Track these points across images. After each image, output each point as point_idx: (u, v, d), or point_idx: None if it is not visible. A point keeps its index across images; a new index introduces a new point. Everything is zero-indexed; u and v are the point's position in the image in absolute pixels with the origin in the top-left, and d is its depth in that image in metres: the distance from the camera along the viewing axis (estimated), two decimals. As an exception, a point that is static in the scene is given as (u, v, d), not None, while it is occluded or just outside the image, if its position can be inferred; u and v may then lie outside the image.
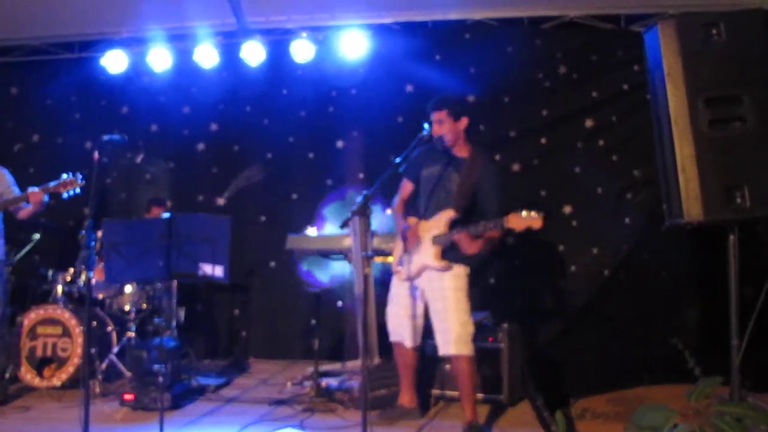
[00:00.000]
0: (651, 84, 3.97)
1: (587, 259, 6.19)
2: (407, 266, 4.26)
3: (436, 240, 4.13)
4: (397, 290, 4.40)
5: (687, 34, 3.72)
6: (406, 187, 4.46)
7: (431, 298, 4.22)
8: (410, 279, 4.29)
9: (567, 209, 6.28)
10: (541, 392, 4.83)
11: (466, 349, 4.11)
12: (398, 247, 4.39)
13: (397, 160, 3.96)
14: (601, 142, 6.30)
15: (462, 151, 4.25)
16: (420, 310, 4.34)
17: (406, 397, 4.48)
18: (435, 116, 4.16)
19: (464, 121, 4.19)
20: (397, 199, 4.49)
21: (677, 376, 4.99)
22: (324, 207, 6.58)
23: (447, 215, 4.13)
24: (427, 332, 4.44)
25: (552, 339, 5.87)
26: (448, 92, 4.36)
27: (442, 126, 4.14)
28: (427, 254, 4.17)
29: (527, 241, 6.22)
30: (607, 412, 4.71)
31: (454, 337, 4.09)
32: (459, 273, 4.17)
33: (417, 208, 4.40)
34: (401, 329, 4.37)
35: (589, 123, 6.33)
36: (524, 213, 3.69)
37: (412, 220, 4.33)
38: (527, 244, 6.29)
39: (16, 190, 5.10)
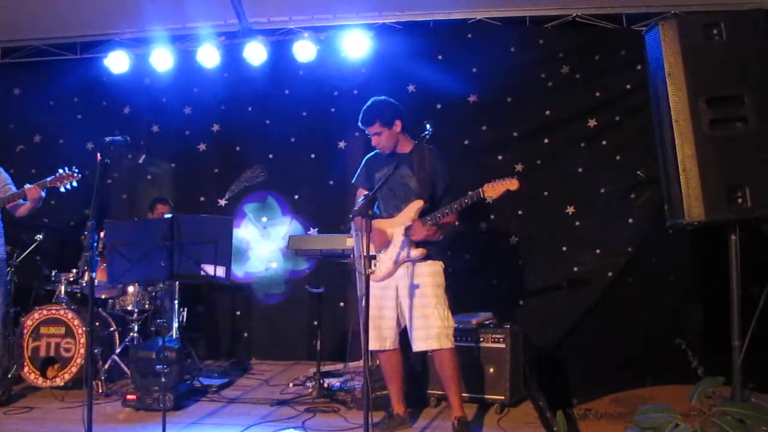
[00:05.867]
0: (652, 84, 3.97)
1: (590, 259, 6.17)
2: (380, 266, 4.25)
3: (407, 231, 4.16)
4: (374, 293, 4.17)
5: (688, 34, 3.71)
6: (361, 194, 4.42)
7: (408, 294, 4.17)
8: (384, 278, 4.26)
9: (570, 209, 6.27)
10: (544, 393, 4.83)
11: (448, 342, 4.13)
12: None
13: (399, 161, 3.97)
14: (604, 142, 6.29)
15: (405, 147, 4.32)
16: (398, 310, 4.27)
17: (400, 406, 4.40)
18: (370, 130, 4.33)
19: (398, 124, 4.31)
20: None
21: (681, 377, 4.99)
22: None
23: (415, 206, 4.16)
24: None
25: (555, 340, 5.85)
26: (375, 101, 4.38)
27: (380, 137, 4.32)
28: (402, 248, 4.18)
29: (531, 241, 6.26)
30: (610, 413, 4.70)
31: (436, 332, 4.10)
32: (437, 269, 4.20)
33: (375, 213, 4.38)
34: (385, 332, 4.27)
35: (592, 123, 6.31)
36: (497, 180, 3.88)
37: (377, 222, 4.28)
38: (531, 245, 6.30)
39: (13, 188, 5.13)
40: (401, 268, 4.22)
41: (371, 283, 4.18)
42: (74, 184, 4.98)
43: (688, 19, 4.16)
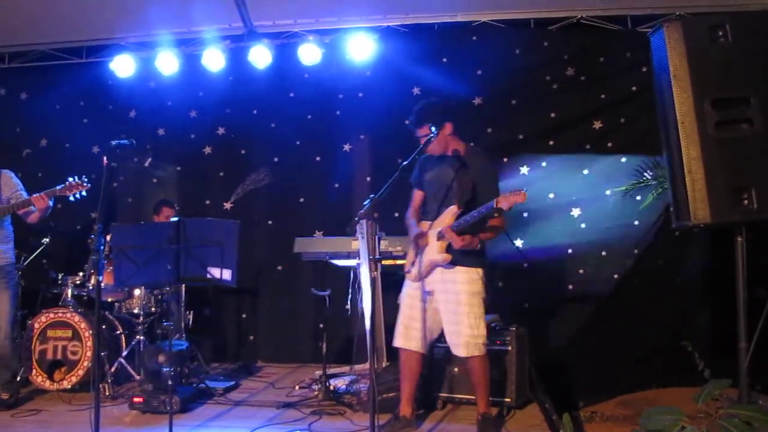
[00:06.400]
0: (657, 86, 3.95)
1: (596, 261, 6.17)
2: (417, 267, 4.27)
3: (440, 235, 4.16)
4: (410, 292, 4.33)
5: (693, 36, 3.70)
6: (417, 195, 4.52)
7: (444, 299, 4.20)
8: (420, 279, 4.26)
9: (575, 211, 6.27)
10: (550, 395, 4.82)
11: (476, 351, 4.14)
12: (411, 249, 4.40)
13: (405, 163, 3.97)
14: (609, 144, 6.29)
15: (456, 150, 4.32)
16: (431, 313, 4.28)
17: (408, 408, 4.37)
18: (419, 132, 4.26)
19: (448, 127, 4.26)
20: (411, 208, 4.54)
21: (687, 379, 4.98)
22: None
23: (451, 211, 4.15)
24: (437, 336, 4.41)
25: (561, 342, 5.85)
26: (427, 102, 4.34)
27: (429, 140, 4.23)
28: (431, 250, 4.18)
29: (536, 243, 6.25)
30: (616, 415, 4.69)
31: (464, 341, 4.12)
32: (473, 277, 4.18)
33: (426, 212, 4.44)
34: (412, 332, 4.28)
35: (597, 125, 6.32)
36: (509, 192, 3.84)
37: (425, 224, 4.33)
38: (536, 247, 6.29)
39: (24, 195, 5.14)
40: (437, 272, 4.22)
41: (409, 282, 4.35)
42: (83, 193, 4.96)
43: (693, 20, 4.14)
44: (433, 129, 4.15)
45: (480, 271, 4.22)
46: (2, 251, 5.09)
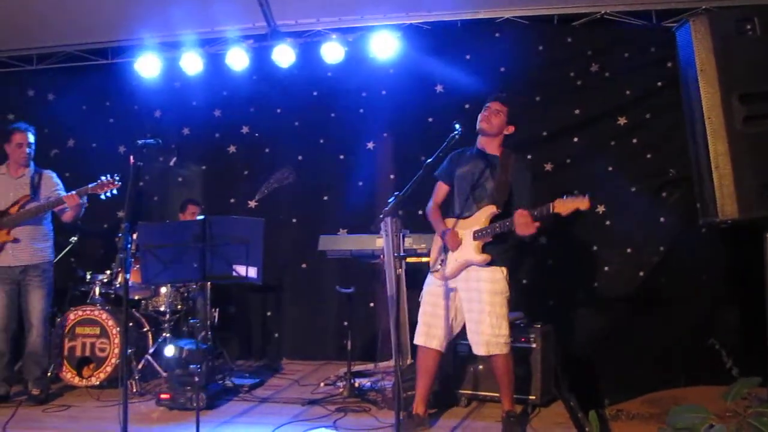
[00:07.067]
0: (683, 81, 3.92)
1: (621, 259, 6.12)
2: (446, 266, 4.25)
3: (477, 235, 4.14)
4: (433, 290, 4.32)
5: (720, 30, 3.66)
6: (441, 189, 4.50)
7: (466, 298, 4.19)
8: (448, 278, 4.26)
9: (600, 209, 6.21)
10: (575, 393, 4.80)
11: (497, 350, 4.13)
12: (436, 247, 4.40)
13: (429, 161, 3.97)
14: (634, 141, 6.23)
15: (495, 150, 4.33)
16: (454, 313, 4.28)
17: (421, 407, 4.36)
18: (495, 105, 4.29)
19: (512, 129, 4.32)
20: (432, 202, 4.52)
21: (715, 378, 4.93)
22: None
23: (488, 211, 4.15)
24: (459, 333, 4.41)
25: (586, 339, 5.82)
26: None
27: (497, 116, 4.27)
28: (467, 250, 4.17)
29: (561, 240, 6.22)
30: (642, 413, 4.67)
31: (485, 339, 4.12)
32: (497, 276, 4.18)
33: (451, 209, 4.43)
34: (433, 330, 4.28)
35: (622, 121, 6.26)
36: (568, 197, 3.80)
37: (450, 221, 4.34)
38: (561, 244, 6.26)
39: (61, 194, 5.22)
40: (463, 271, 4.22)
41: (432, 280, 4.35)
42: (114, 191, 5.04)
43: (720, 14, 4.11)
44: (495, 107, 4.26)
45: (504, 270, 4.21)
46: (40, 249, 5.20)
